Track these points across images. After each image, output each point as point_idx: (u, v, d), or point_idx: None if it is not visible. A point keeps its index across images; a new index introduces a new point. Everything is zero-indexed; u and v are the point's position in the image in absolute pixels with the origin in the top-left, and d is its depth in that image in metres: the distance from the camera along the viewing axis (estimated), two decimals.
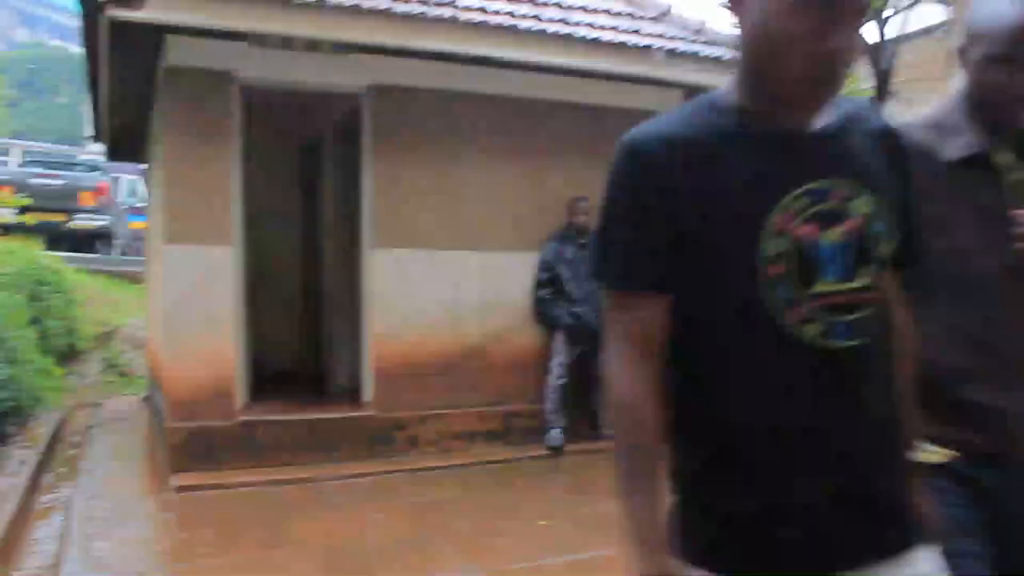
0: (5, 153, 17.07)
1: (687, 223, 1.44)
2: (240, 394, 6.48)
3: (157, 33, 6.13)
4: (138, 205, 17.82)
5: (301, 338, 9.68)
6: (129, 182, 18.87)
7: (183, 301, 6.25)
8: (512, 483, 6.20)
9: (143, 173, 17.34)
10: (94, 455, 7.00)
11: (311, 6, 5.91)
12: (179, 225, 6.29)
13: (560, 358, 7.06)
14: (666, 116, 1.59)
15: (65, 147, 21.72)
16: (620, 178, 1.53)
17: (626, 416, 1.52)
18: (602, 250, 1.54)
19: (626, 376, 1.50)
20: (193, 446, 6.11)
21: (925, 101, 6.58)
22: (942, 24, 8.43)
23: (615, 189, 1.53)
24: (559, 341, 7.08)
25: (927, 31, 8.86)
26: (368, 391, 6.84)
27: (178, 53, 6.25)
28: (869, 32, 5.91)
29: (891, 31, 5.92)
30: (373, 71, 6.79)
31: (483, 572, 4.35)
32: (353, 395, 7.17)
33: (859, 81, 6.29)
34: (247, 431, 6.30)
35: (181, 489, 5.76)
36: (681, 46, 7.28)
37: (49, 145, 21.79)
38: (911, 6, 6.03)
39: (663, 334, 1.49)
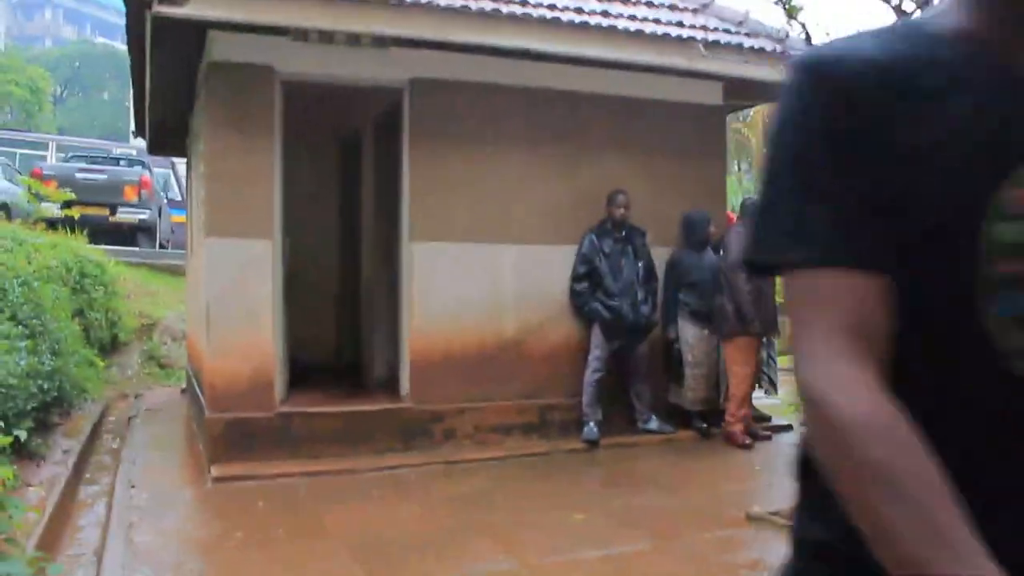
0: (44, 148, 17.35)
1: (888, 185, 0.99)
2: (278, 386, 6.51)
3: (200, 29, 6.18)
4: (172, 198, 18.01)
5: (339, 331, 9.74)
6: (158, 175, 18.99)
7: (223, 294, 6.30)
8: (548, 476, 6.18)
9: (172, 165, 17.56)
10: (135, 445, 7.09)
11: (352, 0, 5.93)
12: (220, 218, 6.34)
13: (597, 352, 7.03)
14: (855, 37, 1.10)
15: (105, 143, 21.99)
16: (805, 110, 1.05)
17: (875, 444, 0.90)
18: (780, 215, 1.04)
19: (854, 387, 0.94)
20: (231, 437, 6.16)
21: None
22: None
23: (796, 127, 1.06)
24: (596, 335, 7.05)
25: None
26: (405, 384, 6.85)
27: (220, 48, 6.30)
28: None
29: None
30: (414, 65, 6.79)
31: (517, 565, 4.34)
32: (390, 388, 7.19)
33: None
34: (285, 423, 6.34)
35: (219, 480, 5.81)
36: (723, 38, 7.20)
37: (92, 140, 22.10)
38: None
39: (886, 331, 0.98)
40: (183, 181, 15.52)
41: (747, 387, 7.06)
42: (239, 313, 6.31)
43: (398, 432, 6.63)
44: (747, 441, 6.96)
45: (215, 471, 5.91)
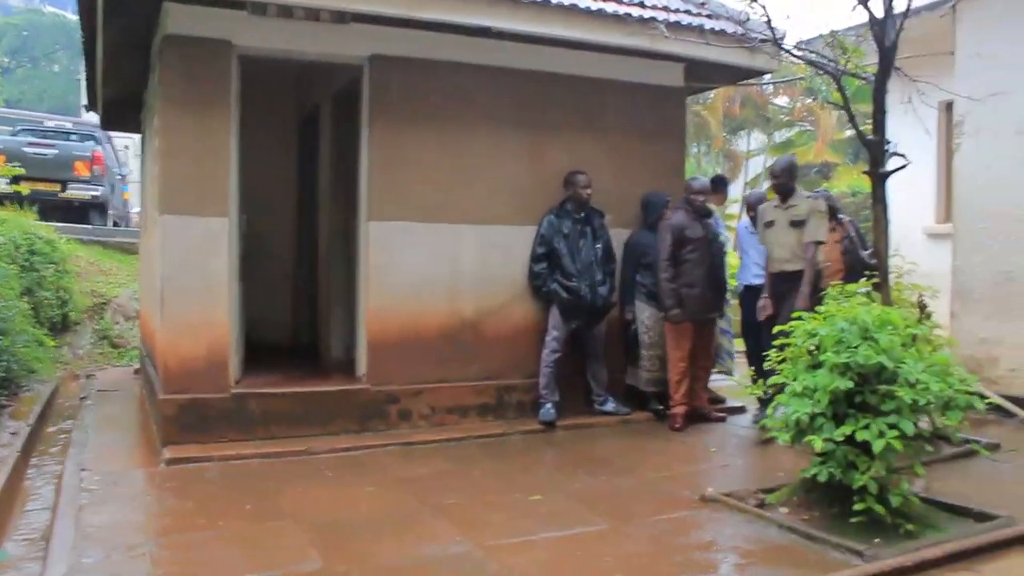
0: None
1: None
2: (234, 367, 6.43)
3: (154, 0, 6.04)
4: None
5: (296, 310, 9.66)
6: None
7: (177, 272, 6.19)
8: (505, 457, 6.18)
9: (108, 139, 17.09)
10: (86, 427, 6.96)
11: None
12: (174, 196, 6.21)
13: (555, 333, 7.03)
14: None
15: (58, 117, 21.46)
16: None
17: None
18: None
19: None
20: (185, 418, 6.08)
21: (928, 78, 6.51)
22: (947, 0, 8.33)
23: None
24: (554, 315, 7.06)
25: (932, 7, 8.76)
26: (362, 364, 6.80)
27: (175, 21, 6.16)
28: (875, 7, 5.83)
29: (897, 6, 5.84)
30: (374, 41, 6.70)
31: (474, 546, 4.33)
32: (348, 368, 7.14)
33: (863, 56, 6.21)
34: (240, 404, 6.26)
35: (173, 461, 5.73)
36: (685, 19, 7.20)
37: (42, 114, 21.58)
38: None
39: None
40: (118, 155, 15.14)
41: (677, 370, 7.04)
42: (194, 292, 6.20)
43: (355, 413, 6.59)
44: (676, 425, 6.98)
45: (168, 453, 5.83)
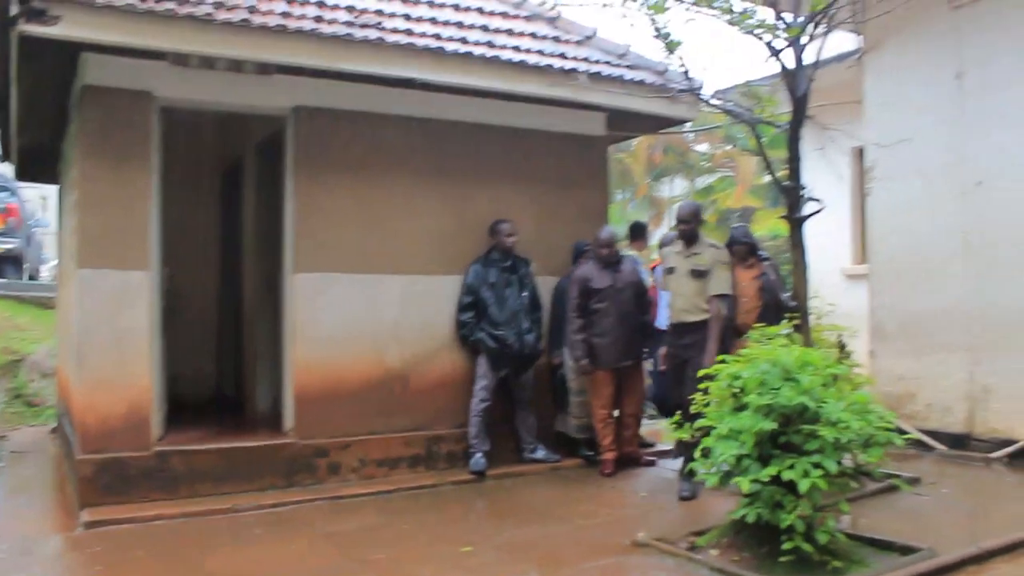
0: None
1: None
2: (156, 423, 6.26)
3: (72, 50, 5.95)
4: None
5: (221, 364, 9.48)
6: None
7: (96, 327, 6.03)
8: (435, 509, 6.11)
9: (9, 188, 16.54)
10: None
11: (234, 26, 5.81)
12: (93, 248, 6.07)
13: (483, 382, 7.02)
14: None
15: None
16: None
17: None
18: None
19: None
20: (105, 479, 5.89)
21: (839, 126, 6.75)
22: (855, 51, 8.69)
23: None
24: (482, 364, 7.05)
25: (840, 58, 9.12)
26: (289, 418, 6.69)
27: (94, 71, 6.07)
28: (787, 58, 6.04)
29: (807, 57, 6.06)
30: (298, 92, 6.70)
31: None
32: (274, 422, 7.01)
33: (777, 105, 6.43)
34: (162, 462, 6.09)
35: (91, 524, 5.52)
36: (605, 70, 7.36)
37: None
38: (826, 34, 6.18)
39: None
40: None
41: (599, 418, 7.04)
42: (113, 347, 6.04)
43: (282, 468, 6.46)
44: (607, 471, 6.98)
45: (87, 515, 5.62)
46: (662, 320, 7.36)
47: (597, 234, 7.20)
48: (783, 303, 7.18)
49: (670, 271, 6.59)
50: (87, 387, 5.99)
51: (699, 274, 6.37)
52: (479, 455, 6.92)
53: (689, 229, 6.51)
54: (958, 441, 7.51)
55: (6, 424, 9.91)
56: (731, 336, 6.65)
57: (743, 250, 7.02)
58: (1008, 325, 7.21)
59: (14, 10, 5.22)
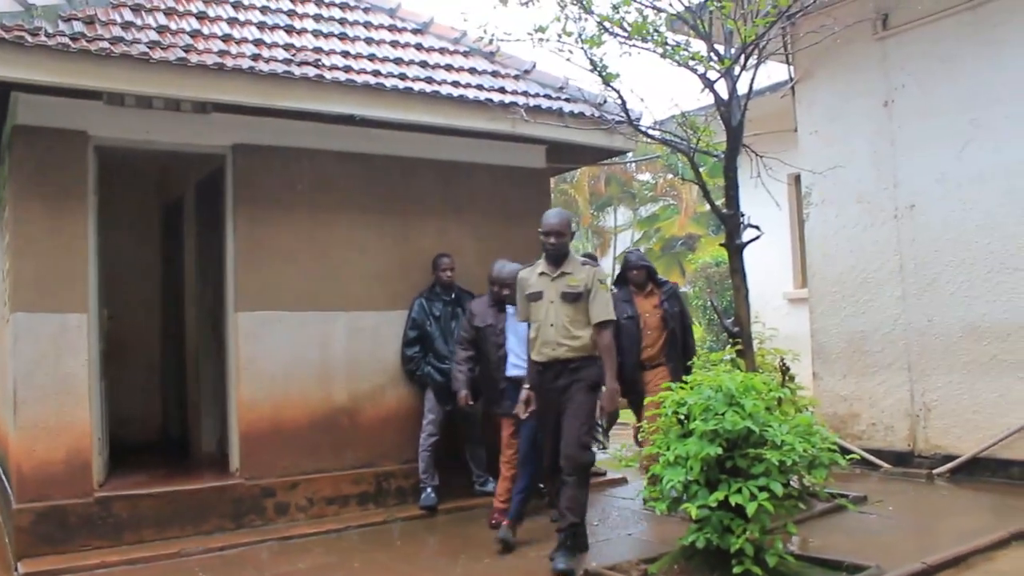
0: None
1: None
2: (97, 468, 6.12)
3: (3, 90, 5.86)
4: None
5: (165, 406, 9.32)
6: None
7: (32, 371, 5.88)
8: (385, 546, 6.05)
9: None
10: None
11: (171, 65, 5.77)
12: (28, 292, 5.94)
13: (431, 416, 6.99)
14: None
15: None
16: None
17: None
18: None
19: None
20: (44, 528, 5.73)
21: (776, 154, 6.89)
22: (787, 81, 8.90)
23: None
24: (429, 399, 7.03)
25: (773, 88, 9.34)
26: (235, 458, 6.59)
27: (26, 111, 5.98)
28: (720, 89, 6.17)
29: (741, 88, 6.20)
30: (237, 130, 6.66)
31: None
32: (220, 463, 6.90)
33: (712, 135, 6.55)
34: (105, 508, 5.95)
35: None
36: (544, 103, 7.44)
37: None
38: (758, 65, 6.33)
39: None
40: None
41: (504, 457, 6.47)
42: (51, 391, 5.91)
43: (229, 509, 6.35)
44: (492, 522, 6.29)
45: (23, 567, 5.46)
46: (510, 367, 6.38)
47: (495, 270, 6.70)
48: (689, 331, 7.01)
49: (534, 297, 5.45)
50: (24, 433, 5.84)
51: (573, 297, 5.29)
52: (429, 490, 6.87)
53: (559, 244, 5.39)
54: (902, 459, 7.65)
55: None
56: (634, 371, 6.48)
57: (641, 275, 6.84)
58: (946, 342, 7.39)
59: None
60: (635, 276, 6.87)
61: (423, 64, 7.28)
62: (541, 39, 6.16)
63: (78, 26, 5.64)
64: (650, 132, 6.70)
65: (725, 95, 6.20)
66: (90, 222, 6.22)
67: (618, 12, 6.07)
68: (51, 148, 6.04)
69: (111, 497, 6.03)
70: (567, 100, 7.74)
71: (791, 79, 8.72)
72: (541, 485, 7.24)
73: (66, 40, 5.43)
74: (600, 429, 7.89)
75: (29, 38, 5.28)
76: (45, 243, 5.98)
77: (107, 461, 6.50)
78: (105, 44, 5.57)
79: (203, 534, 6.14)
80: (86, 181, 6.20)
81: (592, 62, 6.17)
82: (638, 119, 6.88)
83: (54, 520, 5.77)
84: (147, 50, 5.70)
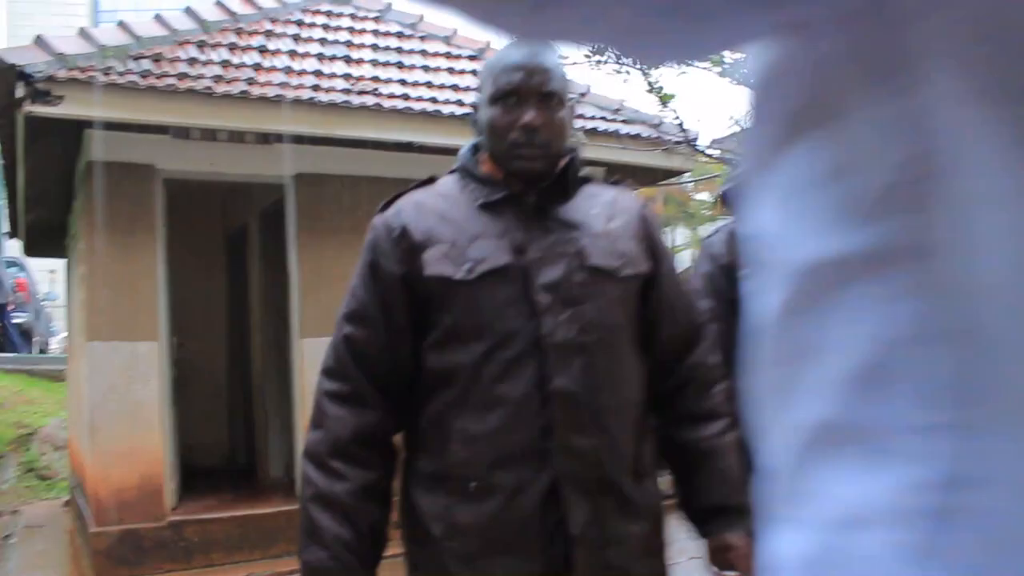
0: None
1: None
2: (169, 493, 6.27)
3: (76, 128, 6.08)
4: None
5: (233, 432, 9.48)
6: None
7: (107, 399, 6.07)
8: None
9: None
10: (12, 568, 6.67)
11: (234, 98, 5.93)
12: (102, 321, 6.14)
13: None
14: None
15: None
16: None
17: None
18: None
19: None
20: (120, 551, 5.88)
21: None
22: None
23: None
24: None
25: None
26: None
27: (98, 147, 6.18)
28: None
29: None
30: (298, 160, 6.79)
31: None
32: (287, 488, 6.99)
33: None
34: (177, 532, 6.08)
35: None
36: (601, 125, 7.46)
37: None
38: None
39: None
40: None
41: None
42: (125, 418, 6.08)
43: (296, 535, 6.42)
44: None
45: None
46: None
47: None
48: None
49: None
50: (100, 459, 6.01)
51: None
52: None
53: None
54: None
55: (19, 499, 9.89)
56: None
57: None
58: None
59: (20, 92, 5.35)
60: None
61: (477, 90, 7.35)
62: (598, 61, 6.21)
63: (146, 64, 5.85)
64: (708, 151, 6.68)
65: None
66: (159, 252, 6.40)
67: None
68: (122, 182, 6.23)
69: (183, 521, 6.17)
70: (624, 122, 7.75)
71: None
72: None
73: (135, 78, 5.63)
74: None
75: (101, 77, 5.49)
76: (117, 274, 6.17)
77: (178, 486, 6.65)
78: (171, 80, 5.76)
79: (271, 557, 6.22)
80: (155, 213, 6.38)
81: (648, 83, 6.19)
82: (695, 139, 6.89)
83: (129, 543, 5.92)
84: (211, 84, 5.87)
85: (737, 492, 1.79)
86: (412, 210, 1.91)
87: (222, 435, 9.49)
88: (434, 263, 1.77)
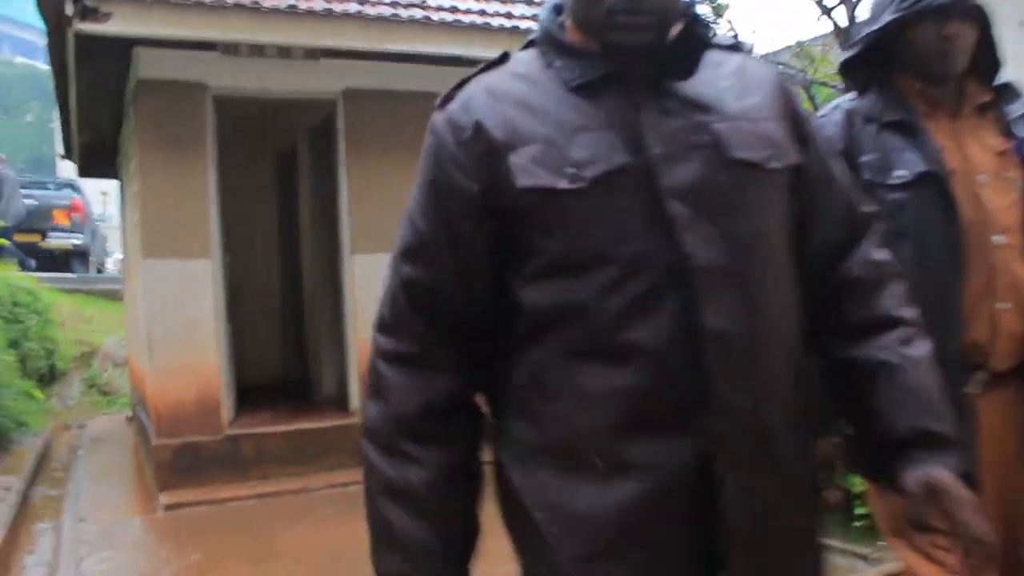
0: None
1: None
2: (225, 408, 6.40)
3: (126, 46, 6.06)
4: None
5: (285, 348, 9.62)
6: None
7: (163, 316, 6.17)
8: None
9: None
10: (80, 477, 6.91)
11: (282, 12, 5.86)
12: (156, 239, 6.21)
13: None
14: None
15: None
16: None
17: None
18: None
19: None
20: (180, 463, 6.04)
21: None
22: None
23: None
24: None
25: None
26: (354, 398, 6.78)
27: (148, 66, 6.17)
28: (839, 16, 5.91)
29: (861, 13, 5.93)
30: (346, 75, 6.73)
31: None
32: (340, 403, 7.11)
33: (830, 65, 6.30)
34: (234, 445, 6.23)
35: (170, 507, 5.70)
36: None
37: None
38: None
39: None
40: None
41: None
42: (181, 335, 6.19)
43: (349, 448, 6.54)
44: None
45: (165, 498, 5.79)
46: None
47: None
48: None
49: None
50: (159, 375, 6.15)
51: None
52: None
53: None
54: None
55: (84, 413, 10.21)
56: None
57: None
58: None
59: (69, 10, 5.33)
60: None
61: (529, 2, 7.19)
62: None
63: None
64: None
65: (844, 22, 5.94)
66: (210, 171, 6.41)
67: None
68: (172, 100, 6.23)
69: (239, 435, 6.31)
70: None
71: None
72: None
73: None
74: None
75: None
76: (170, 193, 6.22)
77: (235, 401, 6.78)
78: None
79: (325, 471, 6.36)
80: (206, 131, 6.38)
81: None
82: (750, 51, 6.67)
83: (188, 456, 6.08)
84: None
85: (935, 415, 1.34)
86: (486, 100, 1.39)
87: (275, 352, 9.63)
88: (525, 170, 1.28)
